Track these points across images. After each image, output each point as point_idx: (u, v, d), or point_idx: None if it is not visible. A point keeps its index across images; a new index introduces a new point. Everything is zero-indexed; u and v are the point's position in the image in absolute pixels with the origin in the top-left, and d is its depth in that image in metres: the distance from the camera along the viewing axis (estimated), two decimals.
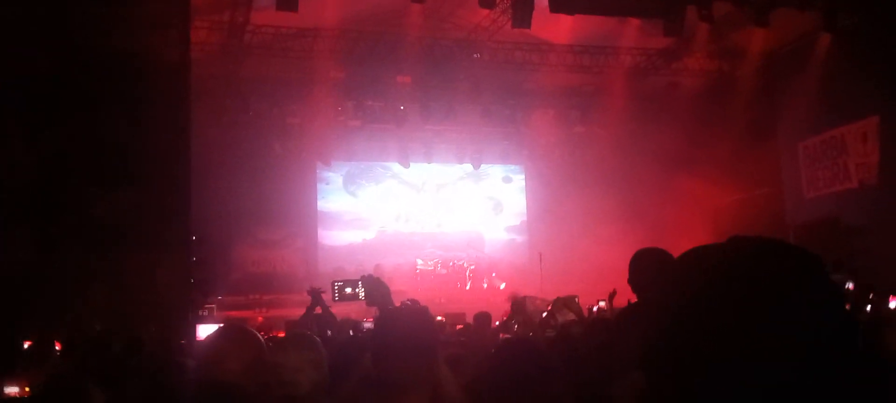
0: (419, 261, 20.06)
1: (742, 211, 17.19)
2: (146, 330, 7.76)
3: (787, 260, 0.98)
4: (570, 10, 12.83)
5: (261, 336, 2.92)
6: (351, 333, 6.56)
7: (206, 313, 14.14)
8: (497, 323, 9.50)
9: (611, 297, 9.93)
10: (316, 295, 6.81)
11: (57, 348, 5.99)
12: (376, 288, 3.76)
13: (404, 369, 2.50)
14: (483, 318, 9.09)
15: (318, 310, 6.94)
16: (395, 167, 20.25)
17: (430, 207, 20.75)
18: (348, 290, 7.99)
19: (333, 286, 8.22)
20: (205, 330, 9.22)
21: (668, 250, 3.89)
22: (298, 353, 3.19)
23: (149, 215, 8.32)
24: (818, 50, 15.14)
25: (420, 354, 2.56)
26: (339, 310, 7.56)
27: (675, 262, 1.05)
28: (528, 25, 13.08)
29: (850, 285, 13.05)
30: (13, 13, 7.91)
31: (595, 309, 10.75)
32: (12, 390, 4.86)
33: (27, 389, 4.83)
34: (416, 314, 2.86)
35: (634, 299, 3.97)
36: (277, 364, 3.03)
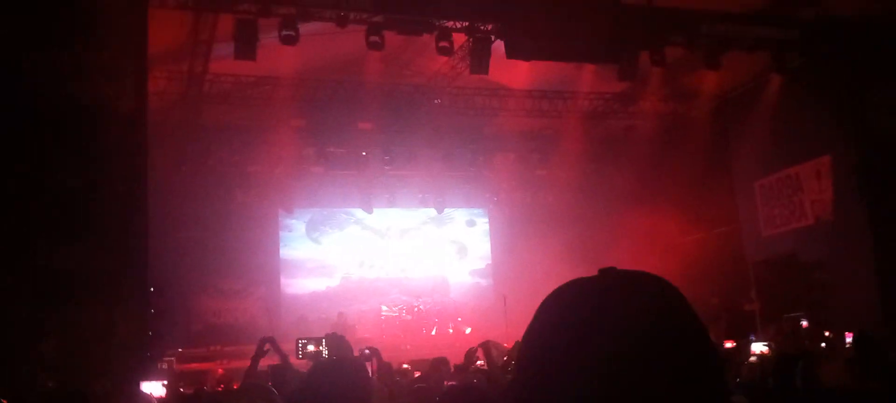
0: (384, 308, 19.95)
1: (702, 249, 17.42)
2: (99, 385, 7.59)
3: (650, 291, 0.97)
4: (525, 56, 13.02)
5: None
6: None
7: (165, 365, 13.88)
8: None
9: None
10: (273, 343, 6.74)
11: None
12: (340, 346, 3.75)
13: None
14: (439, 364, 9.03)
15: (277, 360, 6.86)
16: (359, 213, 20.22)
17: (394, 252, 20.70)
18: (311, 348, 7.94)
19: (297, 343, 8.16)
20: (147, 387, 9.04)
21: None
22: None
23: (104, 266, 8.18)
24: (769, 90, 15.54)
25: None
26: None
27: (548, 296, 1.04)
28: (486, 72, 13.25)
29: (804, 322, 13.30)
30: None
31: None
32: None
33: None
34: (347, 368, 2.84)
35: None
36: None
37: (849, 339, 9.18)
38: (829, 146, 14.73)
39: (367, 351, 8.37)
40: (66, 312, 7.77)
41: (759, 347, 10.44)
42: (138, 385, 8.37)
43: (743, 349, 10.16)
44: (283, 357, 6.81)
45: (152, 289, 11.23)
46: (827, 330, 11.45)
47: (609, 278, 1.00)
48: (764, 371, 6.14)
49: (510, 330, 16.00)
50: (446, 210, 20.74)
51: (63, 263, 7.79)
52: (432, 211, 20.65)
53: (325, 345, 8.28)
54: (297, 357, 8.03)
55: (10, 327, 7.58)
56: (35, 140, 8.07)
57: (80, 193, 8.13)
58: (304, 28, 11.94)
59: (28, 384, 7.05)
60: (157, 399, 9.13)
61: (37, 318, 7.62)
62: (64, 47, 8.37)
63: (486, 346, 9.60)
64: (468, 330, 19.84)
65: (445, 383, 7.40)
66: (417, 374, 9.85)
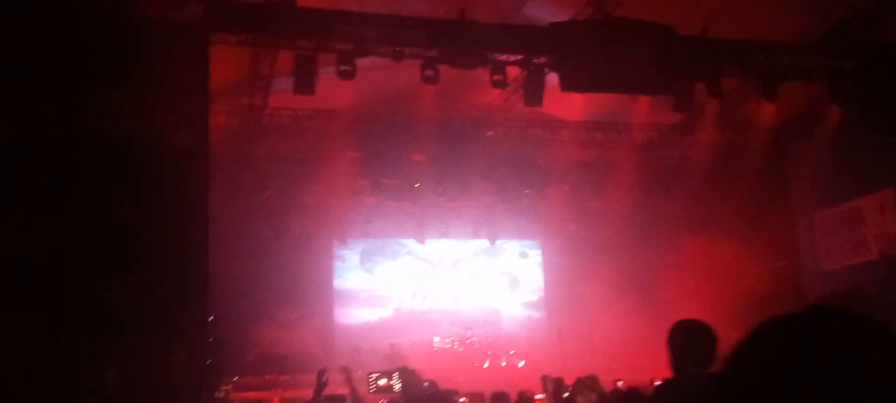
0: (436, 339, 19.93)
1: (760, 283, 17.03)
2: None
3: (879, 340, 0.90)
4: (580, 89, 13.02)
5: None
6: None
7: (222, 394, 14.10)
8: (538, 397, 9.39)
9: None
10: (347, 372, 6.78)
11: None
12: (413, 382, 3.77)
13: None
14: (501, 399, 9.00)
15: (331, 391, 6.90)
16: (411, 243, 20.32)
17: (446, 283, 20.72)
18: (383, 382, 8.00)
19: (369, 378, 8.21)
20: None
21: (706, 322, 3.85)
22: None
23: (163, 298, 8.39)
24: (829, 120, 15.20)
25: None
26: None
27: (752, 336, 0.98)
28: (540, 104, 13.27)
29: None
30: (24, 97, 8.14)
31: (621, 384, 10.61)
32: None
33: None
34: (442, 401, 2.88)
35: (652, 375, 3.96)
36: None
37: None
38: (891, 179, 14.33)
39: (426, 384, 8.39)
40: (127, 343, 7.97)
41: None
42: None
43: None
44: (353, 390, 6.79)
45: (211, 318, 11.45)
46: None
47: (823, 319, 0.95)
48: None
49: (565, 364, 15.84)
50: (498, 241, 20.71)
51: (124, 295, 8.00)
52: (485, 243, 20.64)
53: (398, 379, 8.30)
54: (370, 391, 8.08)
55: (73, 359, 7.81)
56: (96, 176, 8.34)
57: (140, 226, 8.36)
58: (361, 63, 12.15)
59: None
60: None
61: (98, 350, 7.83)
62: (124, 84, 8.66)
63: (545, 380, 9.54)
64: (521, 364, 19.68)
65: None
66: None
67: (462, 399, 10.81)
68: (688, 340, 3.73)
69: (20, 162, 8.03)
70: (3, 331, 7.50)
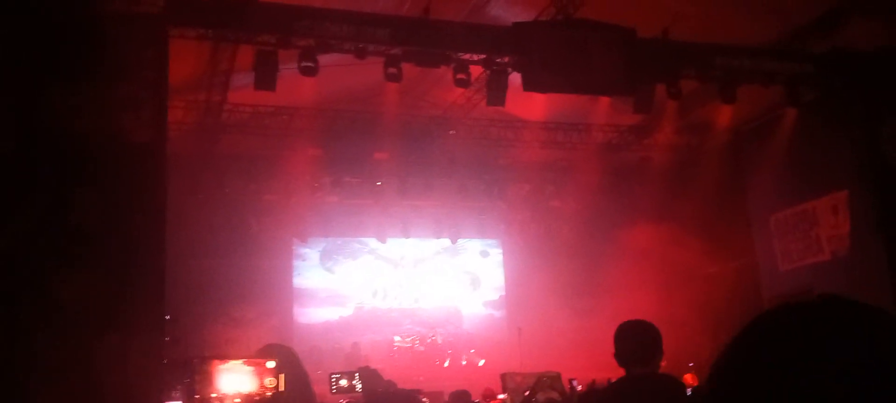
0: (397, 338, 19.89)
1: (718, 283, 17.30)
2: None
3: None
4: (542, 89, 13.07)
5: None
6: None
7: (177, 394, 13.87)
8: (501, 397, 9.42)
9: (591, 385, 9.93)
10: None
11: None
12: (374, 381, 3.75)
13: None
14: (460, 397, 9.01)
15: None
16: (373, 242, 20.23)
17: (407, 282, 20.67)
18: (344, 383, 7.92)
19: (331, 378, 8.10)
20: None
21: (648, 322, 3.94)
22: None
23: (120, 296, 8.22)
24: (784, 123, 15.49)
25: None
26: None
27: (753, 326, 0.89)
28: (503, 104, 13.31)
29: None
30: None
31: (576, 385, 10.66)
32: None
33: None
34: (408, 400, 2.88)
35: (609, 374, 4.01)
36: None
37: None
38: (845, 181, 14.64)
39: (386, 382, 8.36)
40: (83, 342, 7.80)
41: None
42: None
43: None
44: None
45: (168, 317, 11.25)
46: None
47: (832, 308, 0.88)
48: None
49: (525, 362, 15.91)
50: (460, 240, 20.72)
51: (79, 294, 7.83)
52: (446, 242, 20.64)
53: (359, 379, 8.21)
54: (332, 392, 7.98)
55: (27, 358, 7.62)
56: (53, 172, 8.15)
57: (96, 224, 8.19)
58: (323, 59, 12.04)
59: None
60: None
61: (53, 349, 7.65)
62: (83, 80, 8.47)
63: (504, 378, 9.57)
64: (481, 363, 19.75)
65: None
66: None
67: (424, 400, 10.80)
68: (631, 342, 3.82)
69: None
70: None
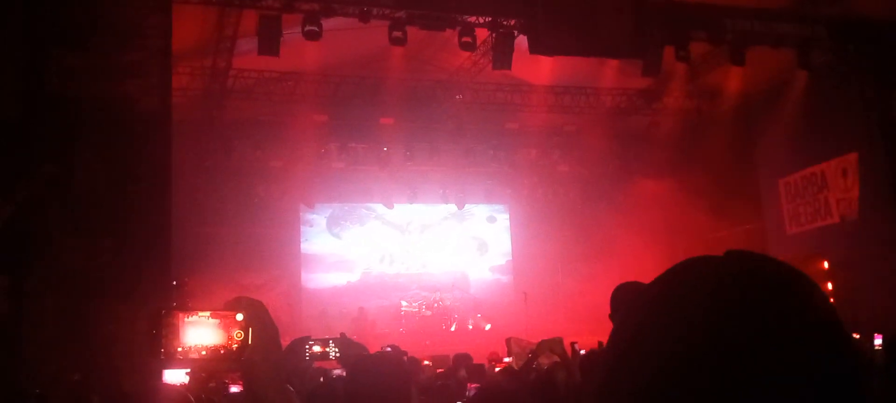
0: (404, 303, 19.94)
1: (726, 247, 17.15)
2: (123, 379, 7.65)
3: (799, 286, 0.82)
4: (548, 52, 12.93)
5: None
6: (321, 380, 6.48)
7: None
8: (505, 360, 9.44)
9: (602, 344, 9.90)
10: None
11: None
12: (349, 348, 3.74)
13: None
14: (461, 360, 9.04)
15: None
16: (379, 208, 20.22)
17: (414, 248, 20.68)
18: (317, 349, 7.91)
19: (305, 346, 8.09)
20: (172, 375, 9.11)
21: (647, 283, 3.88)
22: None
23: (127, 262, 8.24)
24: (795, 87, 15.34)
25: (393, 400, 2.57)
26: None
27: (660, 277, 0.88)
28: (509, 67, 13.19)
29: None
30: None
31: (579, 348, 10.65)
32: None
33: None
34: (388, 361, 2.88)
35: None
36: None
37: (878, 341, 9.03)
38: (855, 143, 14.53)
39: (388, 348, 8.36)
40: (91, 308, 7.83)
41: None
42: (161, 377, 8.41)
43: None
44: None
45: (174, 283, 11.30)
46: (855, 332, 11.30)
47: (735, 261, 0.85)
48: None
49: (531, 326, 15.94)
50: (467, 206, 20.68)
51: (88, 261, 7.84)
52: (453, 207, 20.60)
53: (333, 346, 8.19)
54: (305, 359, 7.97)
55: (38, 325, 7.66)
56: (59, 139, 8.13)
57: (105, 191, 8.18)
58: (327, 24, 11.94)
59: (56, 378, 7.11)
60: (182, 387, 9.16)
61: (62, 315, 7.68)
62: (89, 47, 8.42)
63: (509, 343, 9.58)
64: (488, 327, 19.80)
65: (469, 385, 7.37)
66: (440, 370, 9.86)
67: (426, 362, 10.83)
68: (628, 301, 3.75)
69: None
70: None
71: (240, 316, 1.47)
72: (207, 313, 1.48)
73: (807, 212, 16.00)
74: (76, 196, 8.01)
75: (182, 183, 12.62)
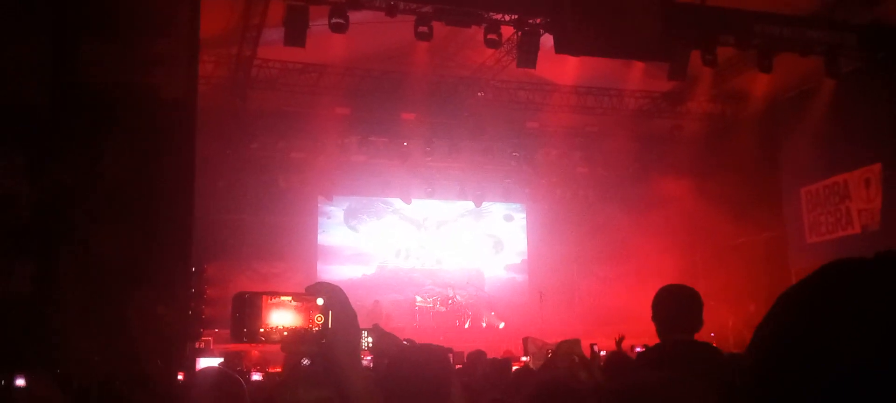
0: (418, 298, 19.95)
1: (745, 253, 17.16)
2: (152, 366, 7.69)
3: None
4: (574, 51, 12.87)
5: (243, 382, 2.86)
6: None
7: (203, 345, 14.05)
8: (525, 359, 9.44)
9: (619, 343, 9.86)
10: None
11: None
12: (382, 338, 3.70)
13: None
14: (477, 357, 9.02)
15: None
16: (397, 203, 20.23)
17: (430, 244, 20.69)
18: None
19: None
20: (206, 362, 9.17)
21: (692, 288, 3.80)
22: (309, 392, 3.04)
23: (150, 250, 8.27)
24: (821, 95, 15.21)
25: (435, 394, 2.56)
26: None
27: (812, 281, 0.83)
28: (533, 66, 13.13)
29: None
30: (14, 46, 7.93)
31: (598, 350, 10.61)
32: None
33: None
34: (431, 353, 2.86)
35: (632, 341, 3.92)
36: None
37: None
38: (880, 154, 14.38)
39: (404, 343, 8.37)
40: (115, 296, 7.87)
41: None
42: (182, 365, 8.45)
43: None
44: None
45: (194, 270, 11.35)
46: None
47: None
48: None
49: (546, 326, 15.92)
50: (484, 203, 20.66)
51: (112, 247, 7.88)
52: (470, 204, 20.58)
53: (367, 336, 8.22)
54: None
55: (62, 309, 7.71)
56: (84, 127, 8.16)
57: (129, 179, 8.21)
58: (354, 16, 11.93)
59: (78, 360, 7.15)
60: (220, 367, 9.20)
61: (85, 302, 7.73)
62: (116, 35, 8.44)
63: (526, 342, 9.55)
64: (502, 325, 19.80)
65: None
66: (458, 366, 9.85)
67: (446, 350, 10.80)
68: (675, 306, 3.69)
69: (10, 110, 7.85)
70: None
71: (320, 301, 1.55)
72: (289, 297, 1.56)
73: (828, 222, 15.87)
74: (103, 183, 8.04)
75: (203, 169, 12.66)
